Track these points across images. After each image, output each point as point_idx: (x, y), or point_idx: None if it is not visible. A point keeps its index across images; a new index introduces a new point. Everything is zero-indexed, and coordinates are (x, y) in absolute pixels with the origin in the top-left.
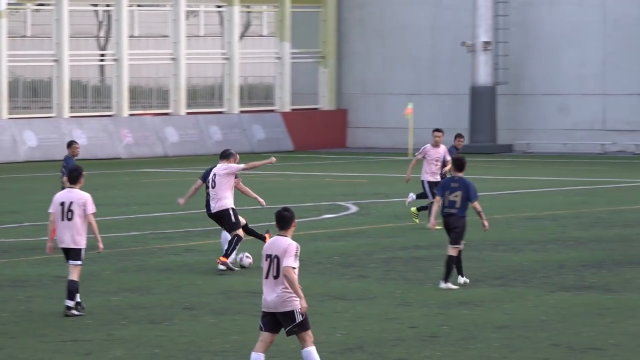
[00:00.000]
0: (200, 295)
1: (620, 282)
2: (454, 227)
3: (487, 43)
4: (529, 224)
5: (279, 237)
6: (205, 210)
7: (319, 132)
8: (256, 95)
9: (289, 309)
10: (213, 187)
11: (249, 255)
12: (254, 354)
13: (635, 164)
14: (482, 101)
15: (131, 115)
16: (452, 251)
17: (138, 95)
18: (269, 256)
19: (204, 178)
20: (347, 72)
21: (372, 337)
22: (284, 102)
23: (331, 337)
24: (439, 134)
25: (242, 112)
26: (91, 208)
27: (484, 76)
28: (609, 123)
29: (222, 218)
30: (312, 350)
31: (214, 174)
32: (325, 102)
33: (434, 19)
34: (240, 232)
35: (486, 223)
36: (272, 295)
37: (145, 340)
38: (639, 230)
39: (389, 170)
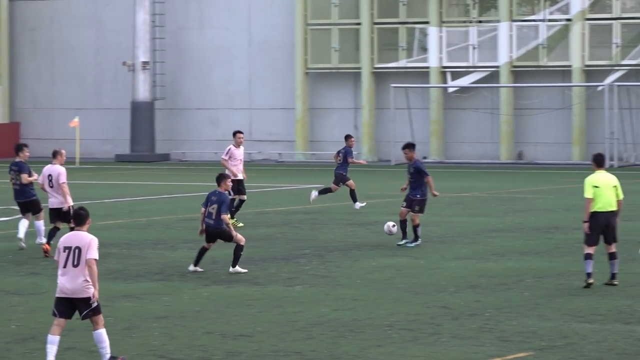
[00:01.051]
0: None
1: (265, 276)
2: (220, 236)
3: (145, 63)
4: (184, 225)
5: (78, 232)
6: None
7: None
8: None
9: (85, 295)
10: (51, 187)
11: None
12: (50, 336)
13: (279, 170)
14: (142, 115)
15: None
16: (240, 242)
17: None
18: (67, 248)
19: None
20: (19, 88)
21: (44, 328)
22: None
23: (7, 329)
24: (242, 135)
25: None
26: None
27: (143, 92)
28: (255, 134)
29: (62, 213)
30: (102, 332)
31: (50, 175)
32: (0, 116)
33: (98, 41)
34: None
35: (234, 233)
36: (72, 283)
37: None
38: (282, 229)
39: None
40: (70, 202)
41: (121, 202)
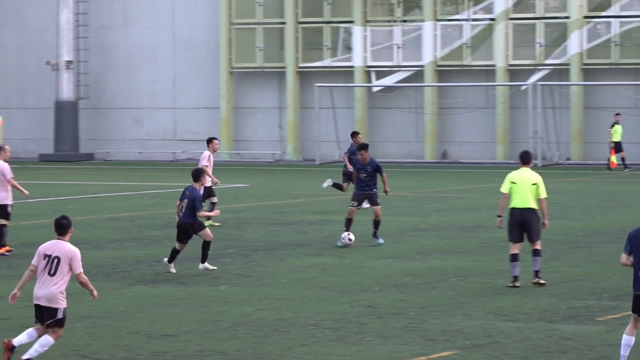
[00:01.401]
0: None
1: (190, 276)
2: (186, 232)
3: (69, 62)
4: (109, 225)
5: (60, 241)
6: None
7: None
8: None
9: (54, 306)
10: None
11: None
12: (31, 330)
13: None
14: (66, 114)
15: None
16: (208, 237)
17: None
18: (48, 256)
19: None
20: None
21: None
22: None
23: None
24: (217, 141)
25: None
26: None
27: (67, 92)
28: (179, 134)
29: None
30: (51, 341)
31: None
32: None
33: (21, 40)
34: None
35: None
36: (44, 290)
37: None
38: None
39: None
40: (10, 201)
41: (45, 202)
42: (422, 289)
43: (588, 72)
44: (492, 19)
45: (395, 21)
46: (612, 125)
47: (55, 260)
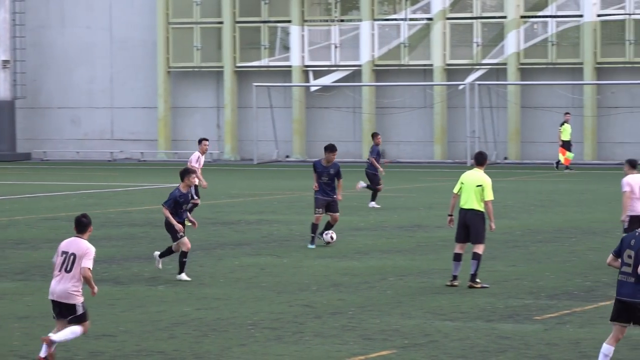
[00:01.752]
0: None
1: (128, 276)
2: (168, 230)
3: (5, 62)
4: (46, 224)
5: (78, 238)
6: None
7: None
8: None
9: (72, 302)
10: None
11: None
12: (52, 334)
13: (141, 170)
14: (3, 114)
15: None
16: (177, 247)
17: None
18: (65, 252)
19: None
20: None
21: None
22: None
23: None
24: (207, 142)
25: None
26: None
27: (3, 91)
28: (117, 133)
29: None
30: (79, 331)
31: None
32: None
33: None
34: None
35: (179, 233)
36: (60, 286)
37: None
38: (145, 229)
39: None
40: None
41: None
42: (361, 289)
43: (525, 72)
44: (430, 19)
45: (332, 21)
46: (562, 124)
47: (72, 257)
